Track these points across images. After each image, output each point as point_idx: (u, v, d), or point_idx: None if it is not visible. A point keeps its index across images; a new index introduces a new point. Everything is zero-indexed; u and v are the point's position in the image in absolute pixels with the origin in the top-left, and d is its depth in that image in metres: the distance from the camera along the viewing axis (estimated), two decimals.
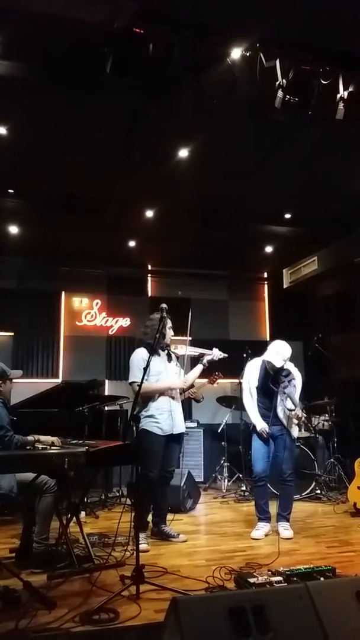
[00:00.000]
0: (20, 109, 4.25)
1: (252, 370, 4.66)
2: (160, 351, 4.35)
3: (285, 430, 4.51)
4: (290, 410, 4.39)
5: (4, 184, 5.74)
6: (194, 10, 3.32)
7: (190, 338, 4.56)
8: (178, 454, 4.53)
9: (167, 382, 4.26)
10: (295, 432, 4.63)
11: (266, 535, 4.42)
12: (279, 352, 4.39)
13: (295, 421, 4.48)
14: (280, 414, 4.48)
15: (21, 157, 5.04)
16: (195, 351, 4.51)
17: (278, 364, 4.36)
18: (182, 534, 4.37)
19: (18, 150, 4.87)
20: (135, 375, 4.16)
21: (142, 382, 3.54)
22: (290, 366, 4.50)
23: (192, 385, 4.95)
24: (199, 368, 4.46)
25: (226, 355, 4.47)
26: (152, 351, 3.94)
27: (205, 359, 4.42)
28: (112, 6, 3.10)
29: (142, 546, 4.06)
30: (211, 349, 4.48)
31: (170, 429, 4.27)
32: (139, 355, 4.24)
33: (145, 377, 3.67)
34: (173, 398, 4.32)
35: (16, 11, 3.15)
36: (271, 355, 4.40)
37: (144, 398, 4.15)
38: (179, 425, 4.38)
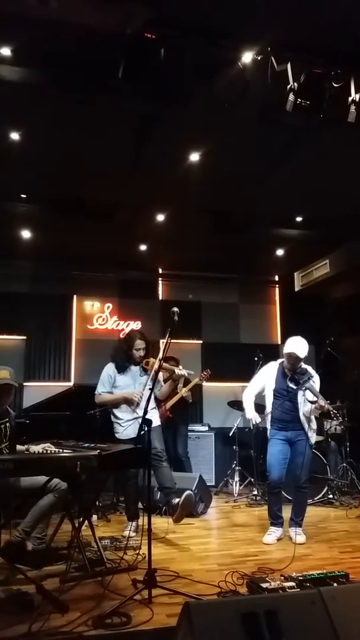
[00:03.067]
0: (33, 115, 4.29)
1: (269, 372, 4.60)
2: (132, 367, 4.67)
3: (304, 435, 4.41)
4: (312, 402, 4.22)
5: (17, 189, 5.79)
6: (205, 14, 3.33)
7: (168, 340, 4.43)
8: (158, 441, 4.58)
9: (120, 393, 4.61)
10: (313, 438, 4.54)
11: (278, 540, 4.38)
12: (299, 344, 4.36)
13: (316, 413, 4.35)
14: (302, 417, 4.40)
15: (33, 163, 5.07)
16: (166, 367, 4.73)
17: (301, 354, 4.31)
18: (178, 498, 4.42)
19: (30, 156, 4.90)
20: (98, 388, 4.72)
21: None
22: (308, 368, 4.45)
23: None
24: (170, 383, 4.81)
25: (191, 372, 4.83)
26: (119, 369, 4.63)
27: (174, 375, 4.70)
28: (124, 13, 3.12)
29: (126, 533, 4.42)
30: (209, 361, 4.69)
31: (136, 425, 4.39)
32: (106, 371, 4.72)
33: (109, 390, 4.61)
34: (135, 411, 4.55)
35: (29, 18, 3.17)
36: (292, 346, 4.35)
37: (112, 407, 4.72)
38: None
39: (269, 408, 4.53)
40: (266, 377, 4.61)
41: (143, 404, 4.24)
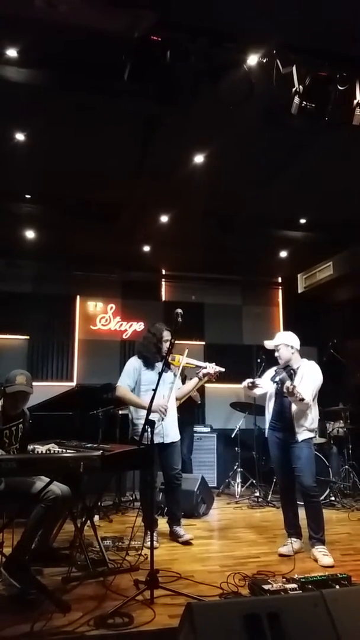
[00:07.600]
0: (38, 116, 4.31)
1: (268, 375, 4.30)
2: (156, 363, 4.40)
3: (295, 437, 4.01)
4: (285, 394, 3.87)
5: (21, 190, 5.81)
6: (211, 17, 3.34)
7: (172, 341, 4.20)
8: (178, 458, 4.50)
9: (146, 401, 3.85)
10: (304, 435, 4.02)
11: (296, 552, 3.98)
12: (274, 337, 4.20)
13: (295, 402, 3.91)
14: (293, 417, 4.02)
15: (38, 163, 5.10)
16: (192, 363, 4.49)
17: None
18: (187, 534, 4.41)
19: (35, 156, 4.92)
20: (121, 379, 4.43)
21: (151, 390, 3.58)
22: (307, 363, 4.18)
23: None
24: (194, 381, 4.51)
25: (222, 369, 4.35)
26: (147, 364, 4.36)
27: (202, 372, 4.39)
28: (131, 16, 3.13)
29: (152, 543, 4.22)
30: (211, 362, 4.47)
31: (160, 438, 4.26)
32: (131, 364, 4.47)
33: (133, 384, 4.33)
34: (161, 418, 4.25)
35: (35, 20, 3.19)
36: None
37: (132, 405, 4.45)
38: (170, 435, 4.38)
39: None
40: (267, 380, 4.27)
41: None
